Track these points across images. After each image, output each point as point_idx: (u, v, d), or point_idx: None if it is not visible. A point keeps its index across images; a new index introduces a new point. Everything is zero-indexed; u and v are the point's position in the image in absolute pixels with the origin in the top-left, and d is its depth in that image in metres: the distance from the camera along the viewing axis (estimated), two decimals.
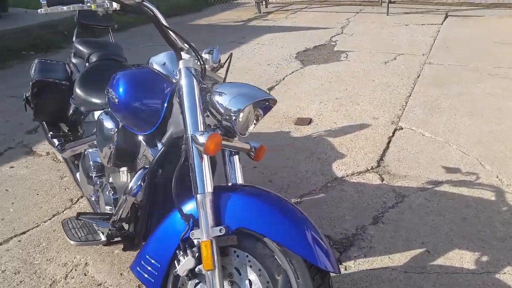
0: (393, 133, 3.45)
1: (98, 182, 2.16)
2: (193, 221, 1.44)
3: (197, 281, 1.50)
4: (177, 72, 1.58)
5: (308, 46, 5.90)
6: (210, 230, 1.40)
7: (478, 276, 2.05)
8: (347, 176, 2.92)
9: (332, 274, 1.43)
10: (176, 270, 1.45)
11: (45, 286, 2.13)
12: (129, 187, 1.72)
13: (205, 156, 1.46)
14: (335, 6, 8.37)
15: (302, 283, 1.38)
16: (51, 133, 2.65)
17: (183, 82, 1.52)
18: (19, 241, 2.46)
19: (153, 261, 1.51)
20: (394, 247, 2.26)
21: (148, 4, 1.56)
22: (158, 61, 1.76)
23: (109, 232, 1.92)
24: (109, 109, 1.81)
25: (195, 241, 1.43)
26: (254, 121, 1.62)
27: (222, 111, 1.51)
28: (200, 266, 1.43)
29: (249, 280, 1.45)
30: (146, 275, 1.52)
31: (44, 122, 2.75)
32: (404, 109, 3.85)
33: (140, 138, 1.79)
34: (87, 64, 2.50)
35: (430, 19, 7.00)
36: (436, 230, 2.36)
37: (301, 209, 1.49)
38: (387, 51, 5.50)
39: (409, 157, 3.09)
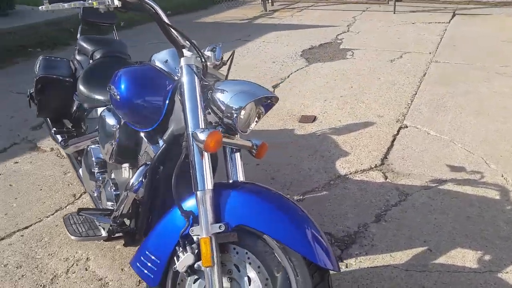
0: (398, 131, 3.44)
1: (100, 178, 2.17)
2: (193, 218, 1.45)
3: (196, 277, 1.50)
4: (179, 70, 1.58)
5: (314, 44, 5.89)
6: (209, 227, 1.40)
7: (480, 275, 2.04)
8: (350, 174, 2.91)
9: (332, 272, 1.43)
10: (175, 266, 1.45)
11: (47, 281, 2.14)
12: (131, 183, 1.73)
13: (205, 153, 1.46)
14: (342, 4, 8.34)
15: (301, 281, 1.38)
16: (54, 129, 2.67)
17: (185, 79, 1.52)
18: (21, 235, 2.48)
19: (152, 257, 1.51)
20: (396, 245, 2.26)
21: (149, 1, 1.56)
22: (160, 58, 1.76)
23: (110, 227, 1.93)
24: (111, 105, 1.82)
25: (195, 238, 1.43)
26: (256, 119, 1.62)
27: (223, 108, 1.50)
28: (199, 263, 1.43)
29: (248, 277, 1.45)
30: (145, 271, 1.52)
31: (48, 118, 2.77)
32: (409, 107, 3.83)
33: (142, 134, 1.79)
34: (91, 61, 2.51)
35: (437, 18, 6.96)
36: (439, 229, 2.35)
37: (301, 207, 1.49)
38: (393, 49, 5.47)
39: (413, 156, 3.08)
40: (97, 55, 2.50)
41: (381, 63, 4.99)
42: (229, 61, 1.73)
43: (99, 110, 2.12)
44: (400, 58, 5.13)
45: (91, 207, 2.32)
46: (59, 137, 2.60)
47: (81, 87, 2.23)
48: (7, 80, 5.05)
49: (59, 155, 3.33)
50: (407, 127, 3.50)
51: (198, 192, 1.42)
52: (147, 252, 1.53)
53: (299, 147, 3.28)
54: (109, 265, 2.22)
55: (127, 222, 1.93)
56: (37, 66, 2.66)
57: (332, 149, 3.22)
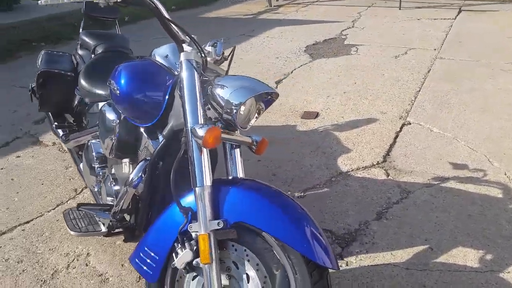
0: (401, 128, 3.41)
1: (100, 173, 2.17)
2: (192, 214, 1.43)
3: (195, 274, 1.49)
4: (179, 65, 1.57)
5: (318, 39, 5.86)
6: (208, 224, 1.39)
7: (481, 275, 2.02)
8: (352, 170, 2.89)
9: (331, 270, 1.42)
10: (174, 262, 1.44)
11: (47, 276, 2.14)
12: (130, 179, 1.72)
13: (204, 149, 1.45)
14: (347, 0, 8.29)
15: (300, 279, 1.37)
16: (55, 123, 2.67)
17: (184, 74, 1.51)
18: (23, 230, 2.48)
19: (151, 253, 1.50)
20: (397, 243, 2.24)
21: None
22: (161, 53, 1.75)
23: (110, 223, 1.93)
24: (112, 100, 1.81)
25: (193, 234, 1.42)
26: (256, 115, 1.61)
27: (223, 104, 1.49)
28: (198, 259, 1.42)
29: (247, 274, 1.44)
30: (144, 267, 1.51)
31: (49, 113, 2.76)
32: (413, 104, 3.81)
33: (142, 130, 1.78)
34: (93, 55, 2.51)
35: (443, 14, 6.91)
36: (441, 227, 2.33)
37: (301, 205, 1.47)
38: (398, 45, 5.44)
39: (416, 153, 3.06)
40: (99, 50, 2.49)
41: (386, 59, 4.96)
42: (230, 57, 1.71)
43: (100, 104, 2.11)
44: (404, 54, 5.10)
45: (91, 202, 2.32)
46: (60, 132, 2.60)
47: (83, 82, 2.22)
48: (10, 75, 5.05)
49: (61, 149, 3.33)
50: (410, 124, 3.47)
51: (197, 188, 1.41)
52: (146, 248, 1.52)
53: (301, 143, 3.27)
54: (110, 261, 2.21)
55: (127, 217, 1.92)
56: (39, 60, 2.66)
57: (334, 146, 3.21)
